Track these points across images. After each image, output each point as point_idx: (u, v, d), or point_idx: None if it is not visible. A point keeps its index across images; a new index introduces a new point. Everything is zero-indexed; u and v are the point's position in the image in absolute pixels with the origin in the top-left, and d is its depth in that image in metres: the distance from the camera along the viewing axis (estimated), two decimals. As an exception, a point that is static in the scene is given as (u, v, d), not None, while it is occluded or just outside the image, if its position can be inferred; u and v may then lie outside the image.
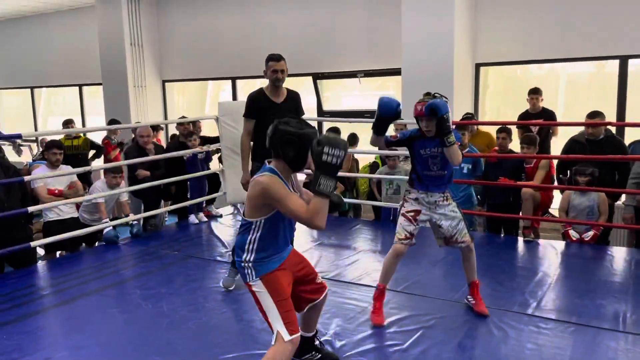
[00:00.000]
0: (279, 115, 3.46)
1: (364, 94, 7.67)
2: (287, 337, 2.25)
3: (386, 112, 3.13)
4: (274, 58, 3.76)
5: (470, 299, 3.35)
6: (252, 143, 3.92)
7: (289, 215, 2.23)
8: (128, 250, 4.87)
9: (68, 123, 7.54)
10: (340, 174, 5.97)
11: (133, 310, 3.48)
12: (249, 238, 2.33)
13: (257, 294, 2.34)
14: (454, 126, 3.16)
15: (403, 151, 5.94)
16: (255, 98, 3.82)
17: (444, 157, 3.12)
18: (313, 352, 2.71)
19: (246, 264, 2.34)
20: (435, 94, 3.12)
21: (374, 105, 7.87)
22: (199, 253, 4.66)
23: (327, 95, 8.01)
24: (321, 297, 2.59)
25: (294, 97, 3.90)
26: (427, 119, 3.08)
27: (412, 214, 3.21)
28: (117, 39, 8.69)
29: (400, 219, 3.24)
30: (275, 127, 2.27)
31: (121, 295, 3.80)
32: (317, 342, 2.74)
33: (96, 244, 5.46)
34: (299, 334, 2.30)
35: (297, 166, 2.31)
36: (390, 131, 3.77)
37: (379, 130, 3.21)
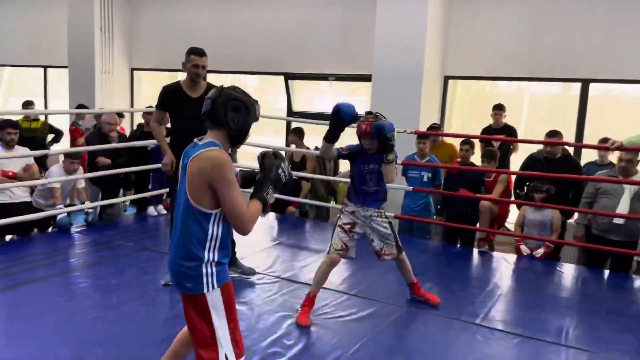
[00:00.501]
0: (193, 110, 3.32)
1: (336, 98, 7.70)
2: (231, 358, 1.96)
3: (346, 117, 3.18)
4: (197, 52, 3.62)
5: (416, 297, 3.57)
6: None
7: (228, 207, 1.91)
8: (81, 238, 4.75)
9: (28, 105, 7.33)
10: (304, 174, 6.04)
11: (80, 300, 3.40)
12: (209, 236, 1.95)
13: (210, 307, 1.94)
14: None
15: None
16: (170, 91, 3.66)
17: (380, 174, 3.30)
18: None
19: (207, 268, 1.95)
20: (377, 114, 3.26)
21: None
22: (154, 245, 4.59)
23: (298, 97, 8.00)
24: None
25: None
26: (371, 138, 3.21)
27: (348, 226, 3.35)
28: (86, 23, 8.47)
29: (337, 230, 3.36)
30: (220, 91, 2.04)
31: (69, 284, 3.70)
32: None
33: (49, 230, 5.31)
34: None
35: (239, 139, 2.06)
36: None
37: (332, 138, 3.27)
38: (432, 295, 3.59)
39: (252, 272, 3.93)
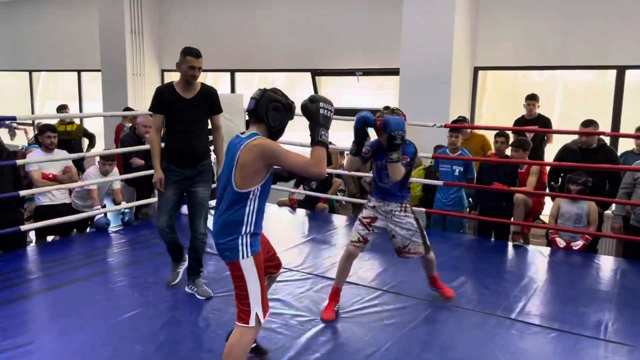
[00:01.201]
0: (184, 111, 3.49)
1: (363, 93, 7.67)
2: (262, 319, 2.34)
3: (368, 124, 3.15)
4: (194, 54, 3.51)
5: (434, 290, 3.58)
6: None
7: (292, 168, 2.24)
8: (118, 238, 4.88)
9: (62, 109, 7.53)
10: (336, 171, 6.06)
11: (119, 298, 3.50)
12: (246, 211, 2.28)
13: (245, 272, 2.30)
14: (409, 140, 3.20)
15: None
16: (163, 92, 3.55)
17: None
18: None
19: (243, 239, 2.29)
20: (394, 109, 3.19)
21: (372, 104, 7.91)
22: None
23: (325, 92, 8.01)
24: (278, 272, 2.75)
25: (207, 93, 3.60)
26: (384, 133, 3.13)
27: (367, 220, 3.31)
28: (117, 26, 8.67)
29: (356, 223, 3.35)
30: (263, 92, 2.35)
31: (108, 282, 3.81)
32: None
33: (87, 230, 5.47)
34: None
35: (277, 134, 2.38)
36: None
37: (358, 149, 3.23)
38: (447, 290, 3.56)
39: (209, 294, 3.55)
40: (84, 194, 5.25)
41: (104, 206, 5.30)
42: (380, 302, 3.51)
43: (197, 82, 3.58)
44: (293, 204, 6.20)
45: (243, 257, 2.29)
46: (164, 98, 3.53)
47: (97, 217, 5.06)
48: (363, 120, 3.14)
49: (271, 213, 5.87)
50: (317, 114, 2.28)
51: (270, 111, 2.32)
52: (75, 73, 10.54)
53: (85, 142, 7.90)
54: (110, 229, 5.08)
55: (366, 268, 4.21)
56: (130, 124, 7.43)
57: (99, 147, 7.82)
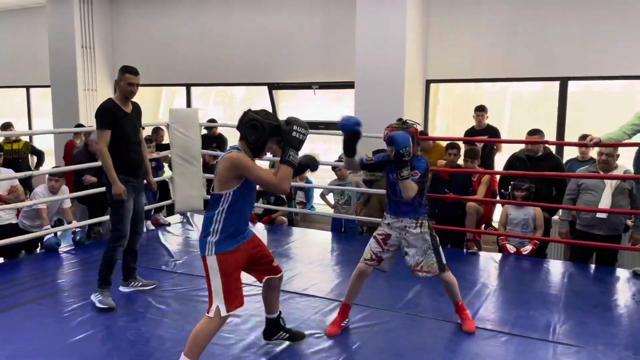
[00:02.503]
0: (131, 124, 3.75)
1: (321, 105, 7.75)
2: (223, 312, 2.52)
3: (346, 131, 3.06)
4: (133, 71, 3.67)
5: (457, 317, 3.36)
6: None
7: (259, 181, 2.53)
8: (69, 258, 4.74)
9: (7, 127, 7.29)
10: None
11: (70, 320, 3.39)
12: (217, 211, 2.55)
13: (209, 268, 2.55)
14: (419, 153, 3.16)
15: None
16: (111, 108, 3.66)
17: None
18: (281, 333, 3.01)
19: (210, 239, 2.55)
20: (407, 121, 3.14)
21: (330, 117, 7.99)
22: (143, 262, 4.54)
23: (283, 105, 8.05)
24: (276, 276, 2.87)
25: (138, 109, 3.86)
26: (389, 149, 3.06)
27: (382, 237, 3.21)
28: (67, 41, 8.47)
29: (371, 240, 3.25)
30: (245, 113, 2.60)
31: (58, 304, 3.68)
32: (283, 323, 3.02)
33: (37, 251, 5.28)
34: (231, 313, 2.56)
35: (256, 151, 2.60)
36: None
37: (347, 151, 3.14)
38: (470, 322, 3.30)
39: (154, 283, 4.03)
40: (32, 213, 5.08)
41: (53, 226, 5.13)
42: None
43: None
44: (253, 219, 6.16)
45: (208, 254, 2.54)
46: (112, 113, 3.64)
47: (46, 237, 4.90)
48: (351, 129, 3.02)
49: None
50: (289, 136, 2.54)
51: (248, 129, 2.56)
52: (24, 89, 10.22)
53: (32, 160, 7.66)
54: (61, 249, 4.93)
55: (324, 279, 4.23)
56: (80, 141, 7.26)
57: (49, 165, 7.57)
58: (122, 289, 3.91)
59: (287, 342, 3.06)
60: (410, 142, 2.90)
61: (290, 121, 2.56)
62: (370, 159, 3.24)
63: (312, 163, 2.93)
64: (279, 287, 2.96)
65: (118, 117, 3.63)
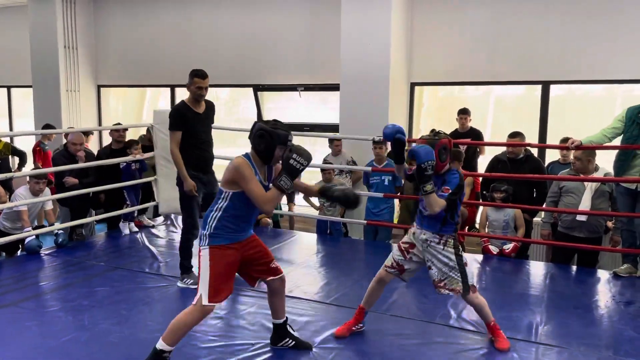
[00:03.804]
0: (202, 123, 3.99)
1: (307, 107, 7.75)
2: (205, 301, 2.61)
3: (388, 140, 3.06)
4: (200, 75, 3.97)
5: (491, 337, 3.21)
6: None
7: (248, 194, 2.61)
8: (51, 260, 4.67)
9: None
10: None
11: (51, 324, 3.34)
12: (216, 207, 2.69)
13: (200, 258, 2.68)
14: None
15: (338, 165, 6.08)
16: (181, 110, 4.00)
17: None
18: (287, 339, 3.02)
19: (205, 232, 2.69)
20: (439, 132, 3.04)
21: (316, 119, 7.99)
22: (126, 264, 4.54)
23: (269, 107, 8.03)
24: (274, 278, 2.90)
25: (212, 106, 4.18)
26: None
27: (405, 245, 3.13)
28: (50, 41, 8.36)
29: (394, 248, 3.21)
30: (255, 123, 2.72)
31: (40, 307, 3.63)
32: (291, 330, 3.05)
33: (17, 253, 5.21)
34: (215, 305, 2.65)
35: (265, 158, 2.69)
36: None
37: (395, 158, 3.16)
38: (503, 340, 3.12)
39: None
40: (13, 215, 5.00)
41: (35, 228, 5.06)
42: (322, 315, 3.54)
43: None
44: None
45: (202, 246, 2.69)
46: (183, 116, 3.97)
47: (27, 240, 4.83)
48: (394, 138, 2.98)
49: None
50: (287, 162, 2.59)
51: (256, 139, 2.67)
52: (5, 89, 10.07)
53: (13, 161, 7.54)
54: (43, 252, 4.86)
55: (309, 281, 4.23)
56: (45, 141, 7.16)
57: (31, 166, 7.47)
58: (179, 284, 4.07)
59: (272, 348, 3.06)
60: (432, 155, 2.83)
61: (292, 149, 2.61)
62: (411, 169, 3.08)
63: (348, 200, 2.87)
64: (282, 291, 2.97)
65: (188, 118, 3.96)
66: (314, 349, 3.05)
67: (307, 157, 2.59)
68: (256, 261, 2.84)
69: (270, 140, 2.64)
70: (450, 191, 2.95)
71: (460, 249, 3.06)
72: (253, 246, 2.83)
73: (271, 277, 2.89)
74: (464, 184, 3.07)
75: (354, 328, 3.21)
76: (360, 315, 3.23)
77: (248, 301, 3.78)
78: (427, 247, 3.05)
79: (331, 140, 6.26)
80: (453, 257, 3.01)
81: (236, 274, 2.82)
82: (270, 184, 2.66)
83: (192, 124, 3.96)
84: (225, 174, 2.68)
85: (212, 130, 4.24)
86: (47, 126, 7.19)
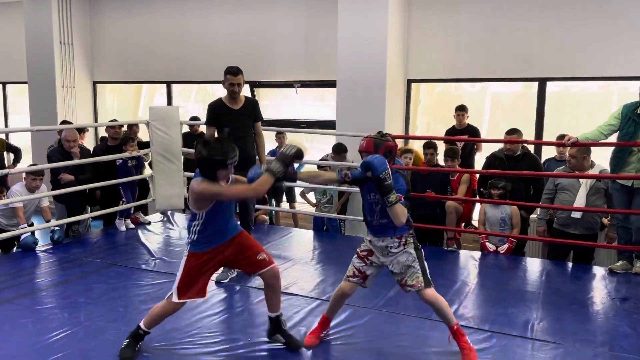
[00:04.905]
0: (235, 120, 4.07)
1: (304, 104, 7.75)
2: (175, 298, 2.81)
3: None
4: (232, 72, 4.08)
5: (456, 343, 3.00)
6: None
7: (236, 199, 2.80)
8: (47, 257, 4.66)
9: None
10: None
11: (47, 320, 3.33)
12: (194, 223, 2.81)
13: (182, 258, 2.86)
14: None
15: (335, 162, 6.08)
16: (215, 107, 4.17)
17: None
18: (278, 335, 3.03)
19: (188, 240, 2.85)
20: (387, 134, 2.96)
21: (312, 116, 8.00)
22: (123, 261, 4.53)
23: (266, 104, 8.02)
24: (262, 271, 2.93)
25: (251, 104, 4.26)
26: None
27: (364, 252, 3.02)
28: (45, 37, 8.32)
29: (354, 257, 3.07)
30: (196, 145, 2.75)
31: (36, 304, 3.62)
32: (284, 327, 3.05)
33: (13, 250, 5.19)
34: (184, 302, 2.83)
35: (207, 178, 2.70)
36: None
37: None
38: (469, 352, 2.88)
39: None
40: (8, 212, 4.99)
41: (31, 224, 5.04)
42: (319, 312, 3.53)
43: (241, 95, 4.18)
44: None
45: (185, 250, 2.87)
46: (216, 112, 4.12)
47: (23, 236, 4.81)
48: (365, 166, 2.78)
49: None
50: (280, 151, 2.74)
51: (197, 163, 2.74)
52: (0, 85, 10.02)
53: (8, 157, 7.51)
54: (38, 249, 4.84)
55: (306, 278, 4.23)
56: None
57: (26, 163, 7.44)
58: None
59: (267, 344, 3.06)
60: (386, 164, 2.72)
61: (287, 145, 2.74)
62: (347, 175, 2.98)
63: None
64: (273, 285, 2.97)
65: (220, 115, 4.10)
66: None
67: (298, 149, 2.71)
68: (240, 256, 2.92)
69: (208, 164, 2.68)
70: (404, 197, 2.86)
71: (419, 245, 2.98)
72: (235, 244, 2.90)
73: (260, 271, 2.94)
74: (409, 186, 2.98)
75: (321, 335, 3.12)
76: (326, 324, 3.16)
77: (241, 297, 3.78)
78: (387, 253, 2.93)
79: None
80: (412, 251, 2.92)
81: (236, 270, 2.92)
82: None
83: (224, 120, 4.06)
84: (191, 200, 2.75)
85: (202, 126, 4.25)
86: (64, 122, 7.09)
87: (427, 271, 2.93)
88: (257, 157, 4.34)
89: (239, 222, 3.44)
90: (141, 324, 2.89)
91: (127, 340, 2.89)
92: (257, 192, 2.75)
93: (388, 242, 2.93)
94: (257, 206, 6.10)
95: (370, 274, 3.02)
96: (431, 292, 2.91)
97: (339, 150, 6.02)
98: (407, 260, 2.91)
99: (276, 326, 3.03)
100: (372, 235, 2.99)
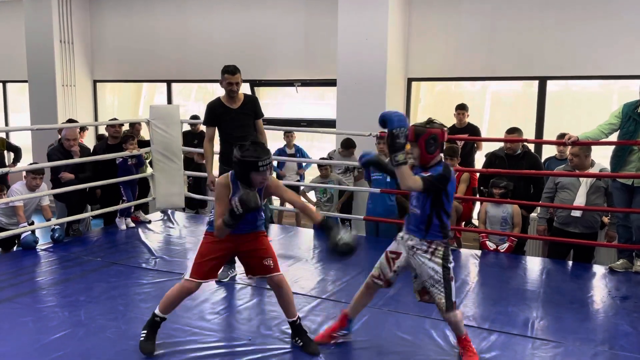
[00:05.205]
0: (235, 119, 4.03)
1: (304, 103, 7.74)
2: (187, 275, 2.89)
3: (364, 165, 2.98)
4: (229, 71, 4.02)
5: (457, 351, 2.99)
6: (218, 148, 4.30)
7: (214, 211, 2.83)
8: (47, 256, 4.66)
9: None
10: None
11: (48, 319, 3.33)
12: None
13: (203, 238, 2.96)
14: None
15: (341, 161, 6.07)
16: (213, 106, 4.13)
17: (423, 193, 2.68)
18: (297, 338, 3.02)
19: (208, 219, 2.98)
20: (435, 121, 2.76)
21: (313, 114, 8.00)
22: (123, 260, 4.53)
23: (266, 102, 8.01)
24: (266, 276, 2.95)
25: (250, 101, 4.20)
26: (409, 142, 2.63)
27: (393, 255, 2.87)
28: (45, 35, 8.31)
29: (382, 256, 2.92)
30: (236, 146, 2.79)
31: (36, 303, 3.62)
32: (303, 329, 3.03)
33: (13, 249, 5.19)
34: (197, 282, 2.86)
35: (247, 184, 2.75)
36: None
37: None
38: (472, 354, 2.85)
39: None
40: (8, 211, 4.99)
41: (31, 223, 5.04)
42: (319, 310, 3.54)
43: (240, 93, 4.12)
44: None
45: (206, 230, 2.96)
46: (214, 112, 4.09)
47: (24, 235, 4.81)
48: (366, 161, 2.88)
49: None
50: (230, 204, 2.70)
51: (233, 165, 2.78)
52: (0, 84, 10.01)
53: (9, 156, 7.51)
54: (39, 247, 4.84)
55: (307, 277, 4.24)
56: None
57: (26, 161, 7.44)
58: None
59: (270, 341, 3.05)
60: (406, 123, 2.54)
61: (239, 194, 2.66)
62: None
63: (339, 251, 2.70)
64: (281, 292, 2.97)
65: (219, 114, 4.08)
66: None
67: (245, 207, 2.59)
68: (251, 253, 2.95)
69: (242, 167, 2.71)
70: (431, 175, 2.64)
71: (451, 259, 2.76)
72: (249, 241, 2.93)
73: (263, 275, 2.96)
74: (451, 176, 2.72)
75: (335, 334, 3.02)
76: (343, 322, 3.02)
77: (242, 296, 3.78)
78: (414, 254, 2.79)
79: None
80: (440, 269, 2.72)
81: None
82: None
83: (223, 120, 4.06)
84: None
85: (202, 126, 4.24)
86: (70, 121, 7.08)
87: (452, 294, 2.75)
88: None
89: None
90: (156, 311, 2.90)
91: (145, 332, 2.89)
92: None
93: (416, 243, 2.77)
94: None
95: (393, 281, 2.93)
96: (451, 317, 2.78)
97: (348, 146, 6.04)
98: (432, 277, 2.74)
99: (295, 329, 3.02)
100: (404, 231, 2.84)
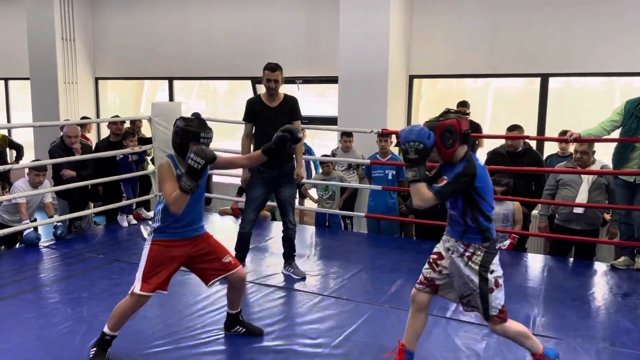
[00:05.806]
0: (272, 118, 3.99)
1: (305, 100, 7.73)
2: (137, 290, 2.72)
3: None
4: (270, 68, 4.00)
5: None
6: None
7: (162, 194, 2.71)
8: (50, 253, 4.68)
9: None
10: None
11: (50, 316, 3.35)
12: (158, 208, 2.80)
13: (144, 248, 2.82)
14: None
15: (342, 158, 6.07)
16: (252, 103, 4.11)
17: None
18: (238, 327, 3.09)
19: (152, 226, 2.83)
20: (452, 111, 2.53)
21: (314, 111, 7.98)
22: (125, 257, 4.55)
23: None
24: (228, 274, 2.88)
25: (289, 101, 4.12)
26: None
27: (434, 256, 2.64)
28: (47, 32, 8.32)
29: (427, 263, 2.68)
30: (176, 119, 2.80)
31: (39, 300, 3.64)
32: (242, 319, 3.09)
33: (16, 246, 5.21)
34: (148, 294, 2.73)
35: (183, 155, 2.69)
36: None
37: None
38: None
39: (303, 275, 4.12)
40: (11, 208, 5.00)
41: (33, 220, 5.05)
42: (320, 308, 3.55)
43: (280, 92, 4.09)
44: (237, 214, 6.12)
45: (147, 239, 2.84)
46: (253, 108, 4.07)
47: (26, 232, 4.83)
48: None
49: (213, 222, 5.81)
50: (187, 163, 2.59)
51: (172, 134, 2.79)
52: (2, 82, 10.03)
53: (11, 154, 7.53)
54: (41, 244, 4.86)
55: (308, 274, 4.24)
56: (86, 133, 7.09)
57: (29, 159, 7.46)
58: (283, 271, 4.20)
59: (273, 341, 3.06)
60: (422, 136, 2.35)
61: (192, 149, 2.59)
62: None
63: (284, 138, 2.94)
64: (240, 287, 2.98)
65: (256, 112, 4.05)
66: (311, 341, 3.05)
67: (203, 156, 2.54)
68: (205, 257, 2.86)
69: (182, 136, 2.71)
70: (447, 181, 2.43)
71: (492, 267, 2.48)
72: (201, 241, 2.87)
73: (225, 274, 2.88)
74: (477, 172, 2.42)
75: None
76: (401, 355, 2.67)
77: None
78: (450, 256, 2.55)
79: (341, 135, 6.22)
80: (476, 279, 2.46)
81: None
82: None
83: (259, 117, 4.04)
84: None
85: (213, 123, 4.20)
86: (84, 118, 7.09)
87: (490, 307, 2.49)
88: (292, 156, 4.06)
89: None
90: (105, 329, 2.77)
91: (94, 350, 2.77)
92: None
93: (452, 245, 2.54)
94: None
95: (440, 285, 2.61)
96: (497, 330, 2.57)
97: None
98: (467, 285, 2.52)
99: (236, 320, 3.09)
100: (445, 232, 2.62)
